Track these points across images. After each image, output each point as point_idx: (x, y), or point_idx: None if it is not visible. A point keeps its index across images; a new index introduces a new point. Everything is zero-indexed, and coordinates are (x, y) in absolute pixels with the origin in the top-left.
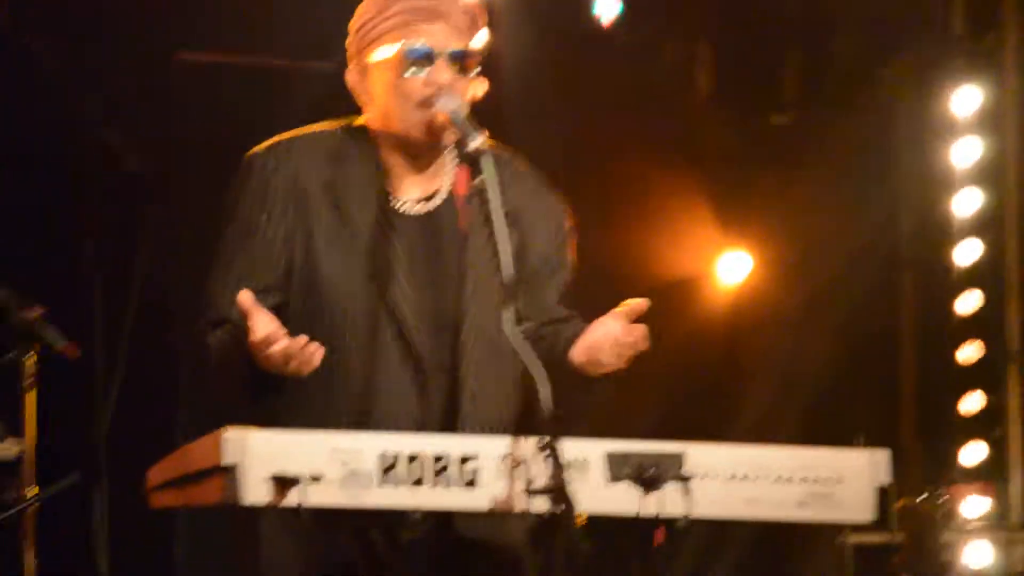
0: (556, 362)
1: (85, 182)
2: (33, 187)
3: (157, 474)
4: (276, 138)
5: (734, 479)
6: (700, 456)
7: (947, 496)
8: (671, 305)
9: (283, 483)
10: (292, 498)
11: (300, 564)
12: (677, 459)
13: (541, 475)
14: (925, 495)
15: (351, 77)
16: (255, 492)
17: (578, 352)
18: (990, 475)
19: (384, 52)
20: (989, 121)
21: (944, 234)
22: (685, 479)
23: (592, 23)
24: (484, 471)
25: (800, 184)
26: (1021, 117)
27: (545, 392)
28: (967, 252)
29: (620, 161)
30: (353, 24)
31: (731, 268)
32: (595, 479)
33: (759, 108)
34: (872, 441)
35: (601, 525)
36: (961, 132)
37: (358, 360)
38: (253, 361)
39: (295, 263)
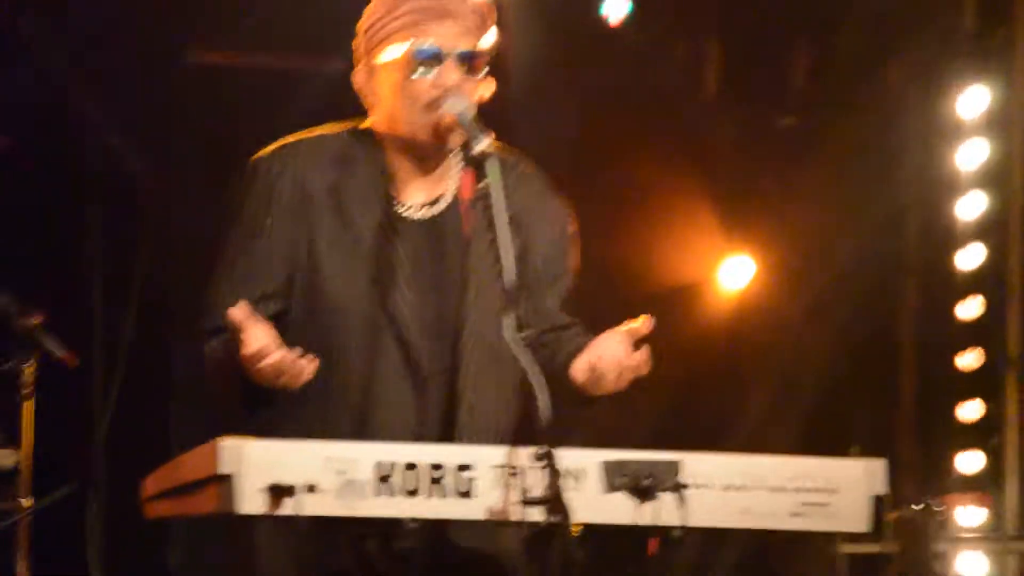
0: (556, 372)
1: (86, 184)
2: (34, 189)
3: (152, 484)
4: (281, 141)
5: (729, 488)
6: (695, 465)
7: (942, 506)
8: (673, 310)
9: (279, 492)
10: (288, 507)
11: (295, 573)
12: (673, 468)
13: (537, 485)
14: (920, 505)
15: (358, 78)
16: (251, 501)
17: (579, 370)
18: (986, 484)
19: (392, 53)
20: (996, 123)
21: (948, 238)
22: (680, 488)
23: (600, 23)
24: (480, 481)
25: (804, 187)
26: None
27: (544, 400)
28: (970, 257)
29: (626, 162)
30: (361, 25)
31: (734, 273)
32: (591, 488)
33: (766, 109)
34: (870, 447)
35: (596, 534)
36: (968, 134)
37: (358, 365)
38: (245, 374)
39: (297, 267)
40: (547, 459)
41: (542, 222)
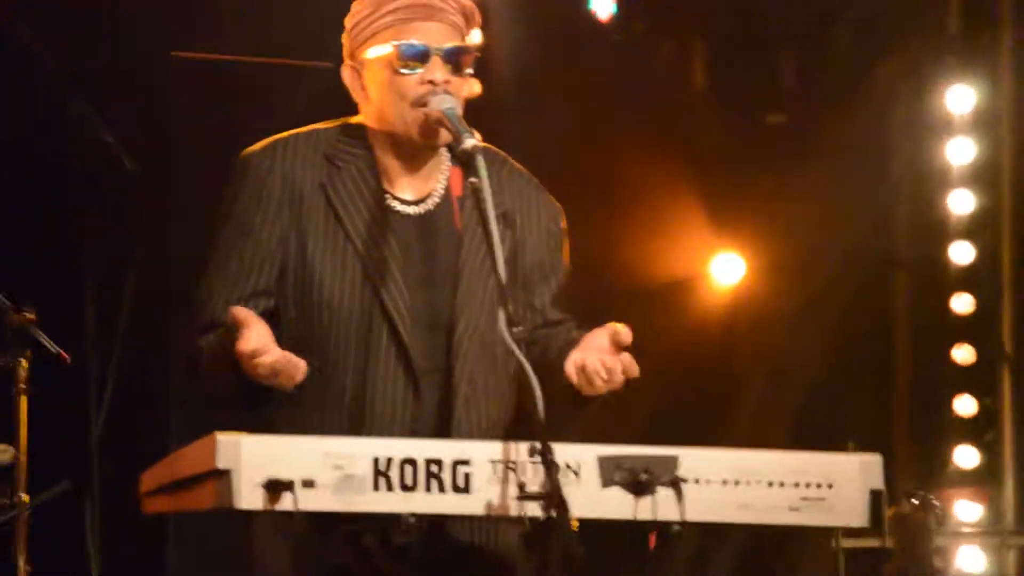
0: (548, 368)
1: (81, 182)
2: (28, 187)
3: (150, 479)
4: (272, 138)
5: (727, 484)
6: (692, 460)
7: (939, 501)
8: (665, 306)
9: (276, 488)
10: (285, 503)
11: (293, 569)
12: (670, 463)
13: (534, 479)
14: (917, 500)
15: (347, 74)
16: (248, 497)
17: (570, 371)
18: (983, 479)
19: (379, 49)
20: (983, 122)
21: (939, 234)
22: (678, 483)
23: (587, 20)
24: (477, 476)
25: (794, 184)
26: (1016, 118)
27: (538, 395)
28: (962, 252)
29: (614, 160)
30: (349, 21)
31: (725, 269)
32: (588, 483)
33: (754, 107)
34: (865, 444)
35: (594, 529)
36: (955, 132)
37: (352, 360)
38: (240, 371)
39: (289, 264)
40: (544, 454)
41: (533, 219)
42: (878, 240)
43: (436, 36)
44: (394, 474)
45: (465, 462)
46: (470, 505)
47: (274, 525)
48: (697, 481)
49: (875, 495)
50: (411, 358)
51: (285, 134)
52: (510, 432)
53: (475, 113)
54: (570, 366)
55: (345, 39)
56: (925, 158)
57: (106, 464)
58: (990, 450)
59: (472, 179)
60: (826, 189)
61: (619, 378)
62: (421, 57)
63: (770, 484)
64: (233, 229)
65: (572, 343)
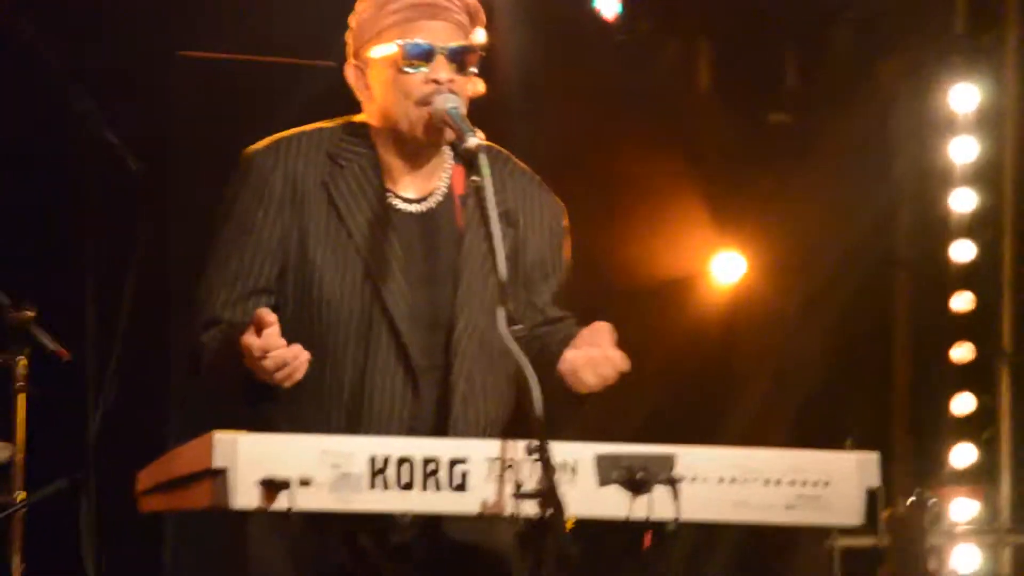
0: (546, 366)
1: (82, 180)
2: (28, 185)
3: (146, 478)
4: (275, 136)
5: (723, 482)
6: (689, 459)
7: (936, 499)
8: (666, 304)
9: (273, 487)
10: (282, 502)
11: (290, 567)
12: (667, 462)
13: (531, 478)
14: (913, 498)
15: (350, 73)
16: (245, 496)
17: (563, 369)
18: (979, 477)
19: (384, 48)
20: (986, 121)
21: (941, 233)
22: (674, 482)
23: (592, 20)
24: (474, 474)
25: (796, 182)
26: (1020, 116)
27: (536, 394)
28: (961, 252)
29: (618, 159)
30: (353, 20)
31: (726, 268)
32: (585, 482)
33: (757, 106)
34: (864, 441)
35: (590, 528)
36: (958, 131)
37: (351, 358)
38: (243, 367)
39: (290, 262)
40: (541, 453)
41: (535, 217)
42: (879, 239)
43: (440, 35)
44: (391, 472)
45: (462, 460)
46: (467, 503)
47: (270, 525)
48: (694, 479)
49: (871, 494)
50: (410, 356)
51: (288, 132)
52: (508, 430)
53: (479, 112)
54: (563, 365)
55: (349, 38)
56: (927, 157)
57: (103, 462)
58: (988, 448)
59: (474, 178)
60: (828, 188)
61: (608, 372)
62: (425, 56)
63: (766, 482)
64: (234, 227)
65: (569, 340)
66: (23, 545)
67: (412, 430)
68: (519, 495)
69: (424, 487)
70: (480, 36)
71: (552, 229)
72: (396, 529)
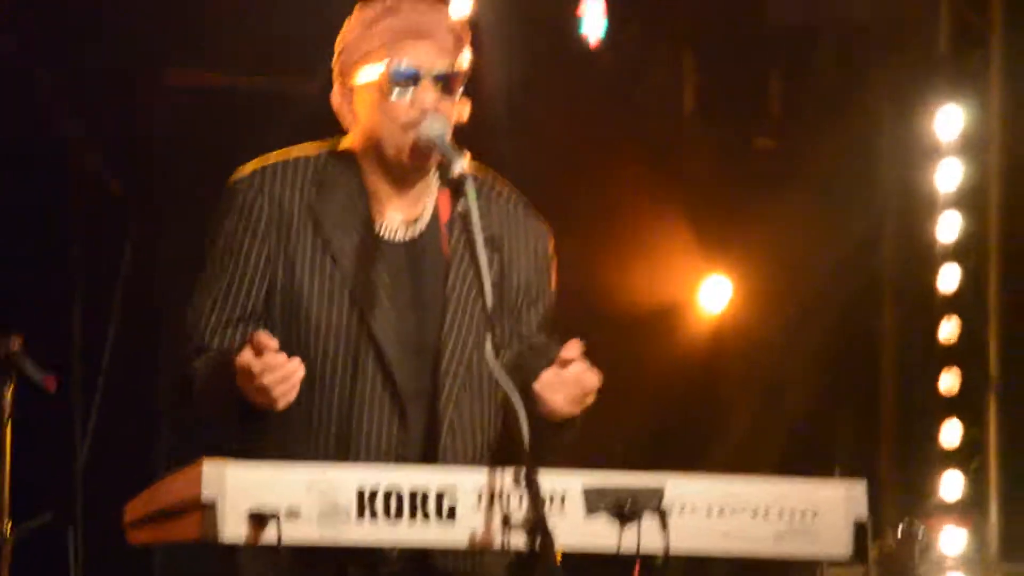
0: (531, 392)
1: (68, 207)
2: (14, 213)
3: (134, 509)
4: (259, 161)
5: (711, 513)
6: (677, 489)
7: (924, 528)
8: (653, 330)
9: (261, 519)
10: (270, 534)
11: None
12: (655, 492)
13: (519, 508)
14: (901, 528)
15: (336, 98)
16: (233, 528)
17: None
18: (968, 507)
19: (369, 73)
20: (971, 144)
21: (926, 259)
22: (663, 513)
23: (578, 43)
24: (462, 505)
25: (782, 207)
26: (1005, 140)
27: (524, 423)
28: (949, 278)
29: (603, 184)
30: (338, 44)
31: (713, 294)
32: (573, 513)
33: (743, 131)
34: (851, 469)
35: (579, 559)
36: (943, 154)
37: (338, 386)
38: (235, 386)
39: (276, 287)
40: (529, 483)
41: (520, 242)
42: (865, 263)
43: (426, 57)
44: (379, 504)
45: (450, 491)
46: (455, 534)
47: (259, 556)
48: (682, 510)
49: (859, 525)
50: (397, 384)
51: (273, 157)
52: (496, 458)
53: (463, 134)
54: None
55: (335, 62)
56: (913, 181)
57: (90, 494)
58: (976, 477)
59: (460, 205)
60: (813, 212)
61: (573, 392)
62: (412, 80)
63: (755, 513)
64: (220, 254)
65: (552, 363)
66: None
67: (400, 458)
68: (507, 526)
69: (412, 517)
70: (466, 59)
71: (538, 253)
72: (384, 561)
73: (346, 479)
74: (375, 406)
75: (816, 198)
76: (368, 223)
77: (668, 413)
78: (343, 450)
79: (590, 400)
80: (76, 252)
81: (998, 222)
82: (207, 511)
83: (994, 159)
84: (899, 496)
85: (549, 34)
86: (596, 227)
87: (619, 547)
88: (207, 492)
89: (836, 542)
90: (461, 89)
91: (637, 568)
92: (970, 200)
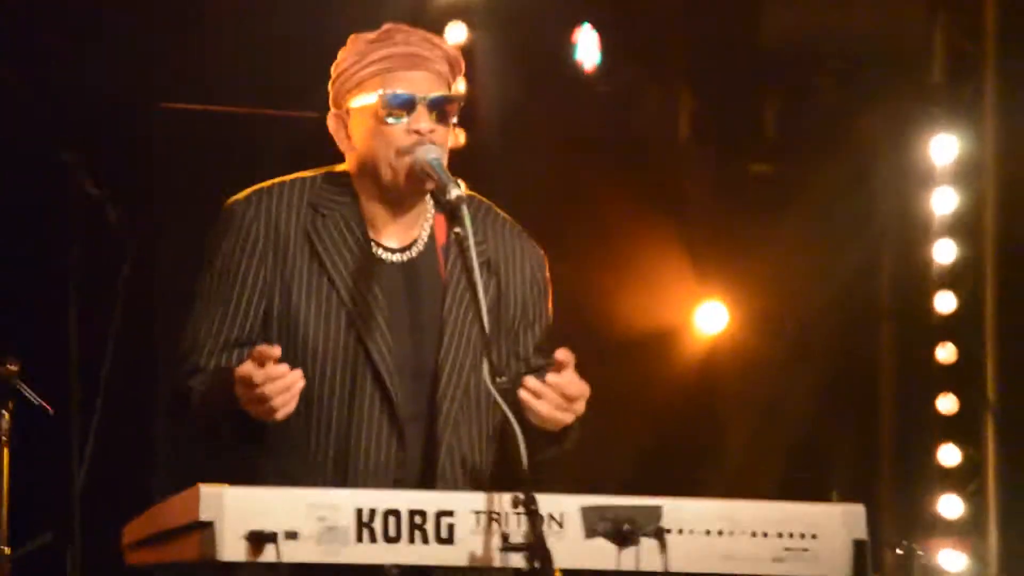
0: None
1: (65, 232)
2: (10, 237)
3: (132, 531)
4: (256, 186)
5: (710, 534)
6: (676, 511)
7: (923, 551)
8: (650, 355)
9: (259, 540)
10: (269, 555)
11: None
12: (653, 514)
13: (518, 530)
14: (900, 551)
15: (332, 123)
16: (232, 549)
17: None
18: (967, 529)
19: (365, 99)
20: (966, 171)
21: (923, 284)
22: (661, 534)
23: (573, 70)
24: (460, 527)
25: (778, 233)
26: (999, 167)
27: (522, 445)
28: (944, 304)
29: (599, 210)
30: (334, 69)
31: (709, 318)
32: (571, 534)
33: (739, 156)
34: (849, 493)
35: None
36: (938, 182)
37: (337, 408)
38: (234, 400)
39: (273, 311)
40: (528, 505)
41: (517, 266)
42: (861, 289)
43: (421, 85)
44: (377, 525)
45: (448, 513)
46: (454, 556)
47: None
48: (681, 531)
49: (858, 545)
50: (395, 406)
51: (269, 182)
52: (495, 481)
53: (460, 161)
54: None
55: (330, 87)
56: (909, 207)
57: (89, 516)
58: (974, 500)
59: (456, 230)
60: (810, 238)
61: (559, 399)
62: (407, 106)
63: (753, 534)
64: (217, 278)
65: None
66: None
67: (398, 482)
68: (506, 547)
69: (411, 540)
70: (461, 86)
71: (534, 278)
72: None
73: (345, 501)
74: (373, 428)
75: (812, 224)
76: (365, 246)
77: (666, 438)
78: (341, 472)
79: (579, 408)
80: (74, 275)
81: (993, 248)
82: (205, 532)
83: (988, 186)
84: (897, 519)
85: (544, 61)
86: (593, 252)
87: (618, 567)
88: (205, 514)
89: (835, 563)
90: (456, 116)
91: None
92: (965, 226)
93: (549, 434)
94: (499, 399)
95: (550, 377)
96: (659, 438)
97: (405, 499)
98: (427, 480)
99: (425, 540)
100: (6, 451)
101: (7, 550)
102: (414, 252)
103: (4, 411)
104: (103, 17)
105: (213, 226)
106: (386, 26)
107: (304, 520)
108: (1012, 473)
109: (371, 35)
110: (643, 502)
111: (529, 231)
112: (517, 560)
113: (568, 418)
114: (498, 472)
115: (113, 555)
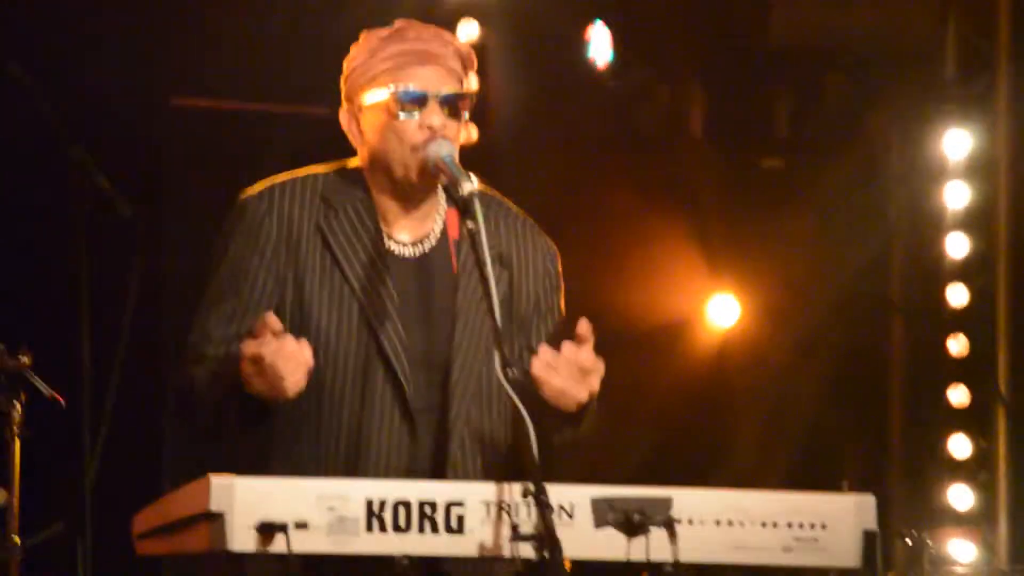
0: (540, 404)
1: (76, 226)
2: (24, 232)
3: (142, 521)
4: (269, 180)
5: (720, 524)
6: (686, 501)
7: (933, 541)
8: (661, 348)
9: (269, 530)
10: (279, 545)
11: None
12: (663, 504)
13: (528, 521)
14: (910, 540)
15: (344, 118)
16: (241, 539)
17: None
18: (977, 520)
19: (377, 95)
20: (978, 166)
21: (935, 277)
22: (671, 524)
23: (585, 66)
24: (470, 517)
25: (790, 227)
26: (1012, 162)
27: (533, 437)
28: (956, 297)
29: (611, 205)
30: (346, 65)
31: (720, 311)
32: (581, 524)
33: (750, 152)
34: (860, 484)
35: (588, 570)
36: (951, 176)
37: (349, 400)
38: (240, 381)
39: (286, 305)
40: (537, 495)
41: (529, 260)
42: (873, 283)
43: (433, 81)
44: (387, 516)
45: (458, 503)
46: (463, 546)
47: (268, 568)
48: (691, 522)
49: (868, 536)
50: (407, 399)
51: (281, 177)
52: (506, 472)
53: (473, 157)
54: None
55: (343, 83)
56: (920, 202)
57: (99, 506)
58: (984, 491)
59: (469, 224)
60: (821, 232)
61: (574, 371)
62: (419, 102)
63: (763, 524)
64: (228, 271)
65: None
66: None
67: (410, 473)
68: (516, 537)
69: (421, 530)
70: (473, 82)
71: (546, 271)
72: (394, 572)
73: (355, 492)
74: (385, 420)
75: (824, 218)
76: (377, 240)
77: (677, 430)
78: (352, 463)
79: (594, 384)
80: (85, 271)
81: (1006, 242)
82: (215, 522)
83: (1001, 181)
84: (907, 509)
85: (556, 58)
86: (605, 247)
87: (628, 557)
88: (215, 505)
89: (845, 553)
90: (468, 112)
91: None
92: (978, 220)
93: (565, 414)
94: (509, 390)
95: (565, 348)
96: (671, 429)
97: (415, 489)
98: (438, 471)
99: (435, 530)
100: (18, 442)
101: (19, 540)
102: (426, 246)
103: (16, 403)
104: (112, 14)
105: (226, 220)
106: (398, 22)
107: (314, 511)
108: (1023, 464)
109: (384, 31)
110: (653, 493)
111: (541, 225)
112: (527, 550)
113: (582, 393)
114: (510, 463)
115: (123, 545)
